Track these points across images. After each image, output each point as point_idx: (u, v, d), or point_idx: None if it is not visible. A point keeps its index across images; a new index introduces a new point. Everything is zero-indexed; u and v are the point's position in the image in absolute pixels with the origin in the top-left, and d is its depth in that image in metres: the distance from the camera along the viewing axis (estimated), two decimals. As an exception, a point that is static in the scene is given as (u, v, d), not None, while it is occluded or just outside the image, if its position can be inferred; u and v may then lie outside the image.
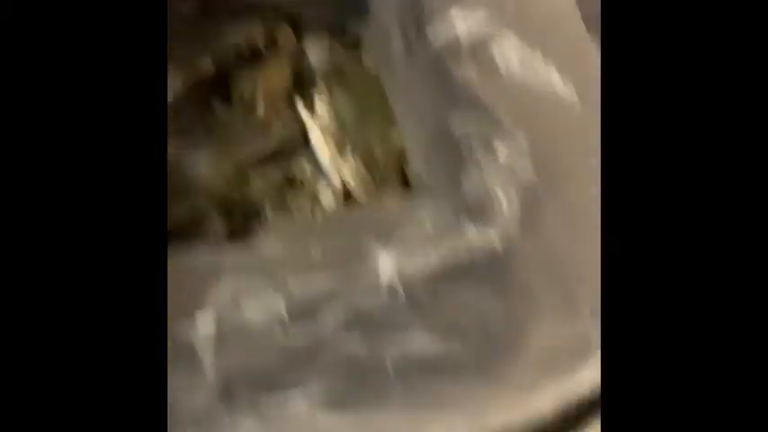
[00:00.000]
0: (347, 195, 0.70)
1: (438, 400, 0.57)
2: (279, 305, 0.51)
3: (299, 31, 0.72)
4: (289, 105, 0.72)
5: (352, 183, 0.70)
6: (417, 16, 0.59)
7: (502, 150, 0.52)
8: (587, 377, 0.60)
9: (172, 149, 0.64)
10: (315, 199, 0.70)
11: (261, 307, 0.52)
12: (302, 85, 0.73)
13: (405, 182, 0.71)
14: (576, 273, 0.56)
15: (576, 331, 0.59)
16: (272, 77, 0.72)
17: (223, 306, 0.50)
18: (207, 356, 0.50)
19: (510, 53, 0.55)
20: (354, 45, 0.73)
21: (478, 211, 0.52)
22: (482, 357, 0.56)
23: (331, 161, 0.70)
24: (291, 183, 0.70)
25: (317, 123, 0.71)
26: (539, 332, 0.56)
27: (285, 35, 0.72)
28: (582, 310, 0.58)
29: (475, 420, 0.58)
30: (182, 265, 0.53)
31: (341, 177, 0.70)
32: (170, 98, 0.66)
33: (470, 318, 0.54)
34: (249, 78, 0.71)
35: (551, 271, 0.55)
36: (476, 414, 0.58)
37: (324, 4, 0.73)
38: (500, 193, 0.51)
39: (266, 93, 0.71)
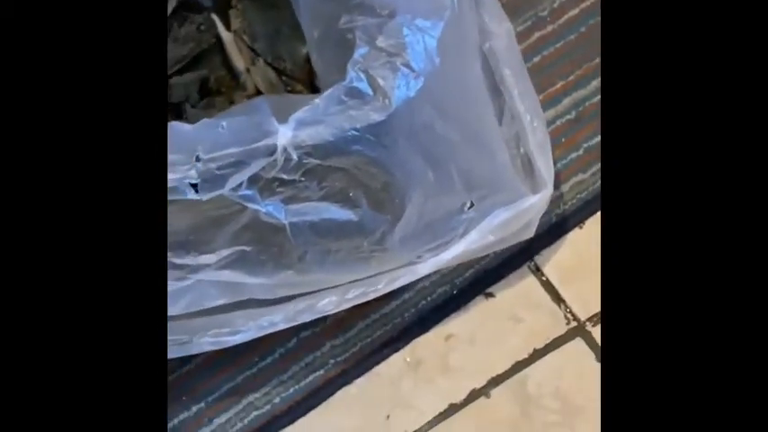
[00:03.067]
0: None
1: (331, 262, 0.66)
2: (191, 174, 0.60)
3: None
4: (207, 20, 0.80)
5: (263, 88, 0.79)
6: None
7: (381, 39, 0.61)
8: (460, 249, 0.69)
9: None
10: (231, 102, 0.78)
11: (176, 177, 0.60)
12: (218, 1, 0.81)
13: (314, 89, 0.79)
14: (448, 151, 0.65)
15: (452, 205, 0.68)
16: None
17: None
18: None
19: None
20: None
21: (361, 93, 0.61)
22: (369, 222, 0.65)
23: (245, 69, 0.79)
24: (209, 87, 0.79)
25: (232, 36, 0.79)
26: (417, 202, 0.66)
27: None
28: (456, 185, 0.67)
29: (363, 282, 0.68)
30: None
31: (253, 83, 0.79)
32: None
33: (357, 185, 0.63)
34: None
35: (426, 149, 0.64)
36: (363, 275, 0.67)
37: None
38: (379, 75, 0.60)
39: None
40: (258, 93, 0.79)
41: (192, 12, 0.79)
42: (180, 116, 0.76)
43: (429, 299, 0.79)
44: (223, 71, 0.79)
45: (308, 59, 0.78)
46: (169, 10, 0.76)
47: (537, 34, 0.86)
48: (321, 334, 0.79)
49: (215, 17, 0.79)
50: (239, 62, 0.79)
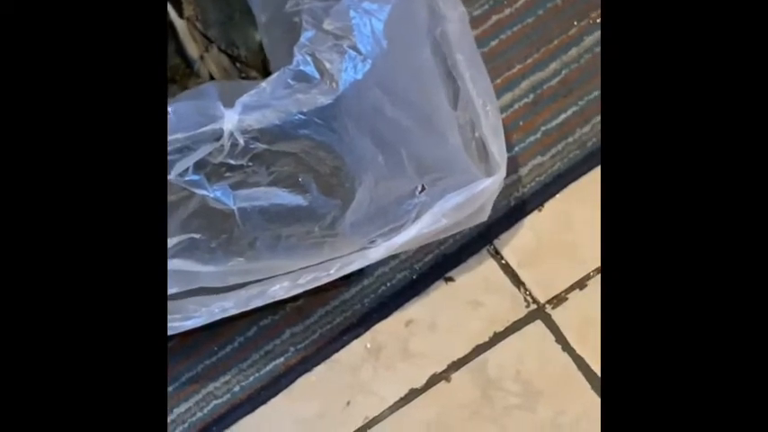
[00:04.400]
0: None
1: (282, 247, 0.65)
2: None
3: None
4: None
5: (217, 75, 0.78)
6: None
7: (327, 22, 0.60)
8: (413, 233, 0.69)
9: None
10: (185, 89, 0.78)
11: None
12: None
13: (268, 76, 0.79)
14: (398, 134, 0.65)
15: (403, 189, 0.68)
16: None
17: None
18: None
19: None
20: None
21: (308, 76, 0.60)
22: (319, 207, 0.64)
23: (199, 56, 0.78)
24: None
25: (185, 23, 0.79)
26: (368, 187, 0.65)
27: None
28: (407, 169, 0.66)
29: (315, 267, 0.67)
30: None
31: (207, 70, 0.78)
32: None
33: (306, 170, 0.63)
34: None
35: (376, 133, 0.64)
36: (315, 261, 0.67)
37: None
38: (326, 58, 0.60)
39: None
40: (211, 79, 0.78)
41: (145, 0, 0.78)
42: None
43: (389, 284, 0.79)
44: (177, 59, 0.79)
45: (261, 45, 0.78)
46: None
47: (494, 18, 0.86)
48: (281, 321, 0.79)
49: (167, 5, 0.78)
50: (193, 50, 0.78)
